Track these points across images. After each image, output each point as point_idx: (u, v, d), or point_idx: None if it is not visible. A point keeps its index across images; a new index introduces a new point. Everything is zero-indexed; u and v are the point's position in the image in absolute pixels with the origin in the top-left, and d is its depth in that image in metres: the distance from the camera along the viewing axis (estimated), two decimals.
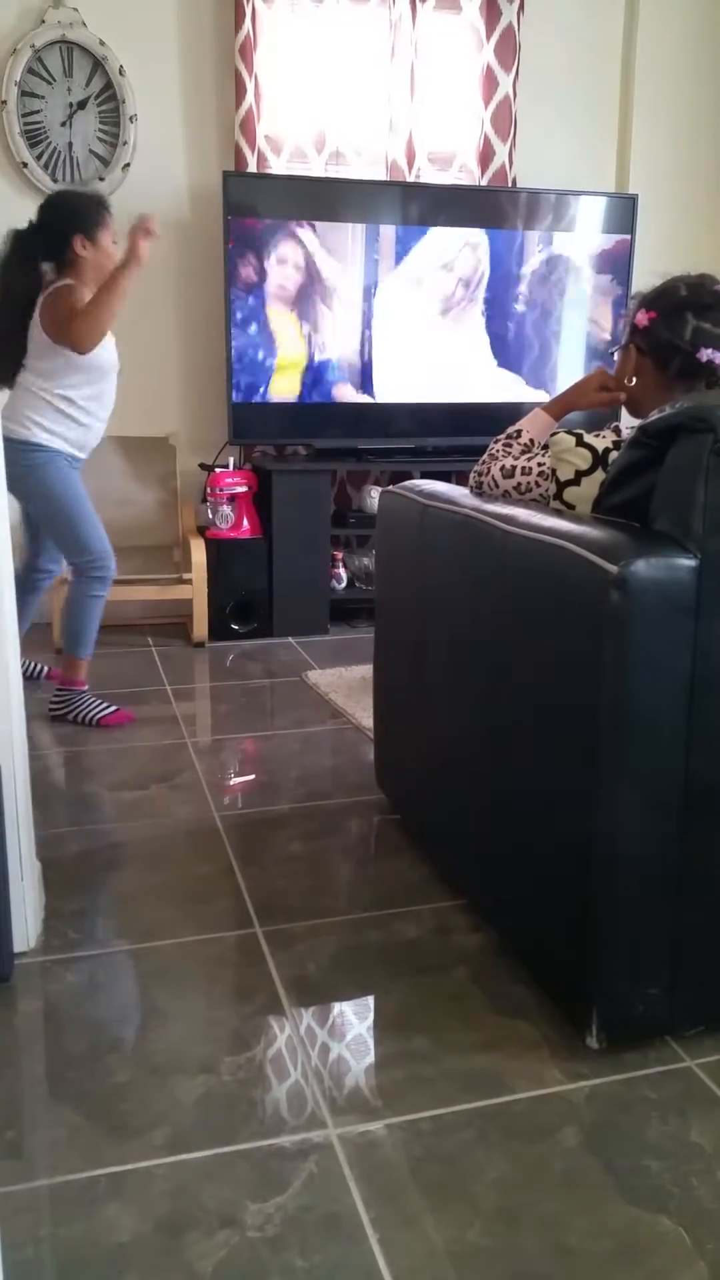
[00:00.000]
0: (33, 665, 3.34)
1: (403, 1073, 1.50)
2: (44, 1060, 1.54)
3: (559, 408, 2.06)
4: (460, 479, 3.46)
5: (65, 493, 2.87)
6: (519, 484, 1.87)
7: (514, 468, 1.89)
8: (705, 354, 1.72)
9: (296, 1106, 1.44)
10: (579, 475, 1.68)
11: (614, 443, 1.68)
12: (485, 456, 1.99)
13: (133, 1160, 1.34)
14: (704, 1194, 1.28)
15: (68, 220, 2.77)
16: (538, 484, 1.84)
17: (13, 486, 2.77)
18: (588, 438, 1.69)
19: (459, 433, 4.10)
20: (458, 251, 3.99)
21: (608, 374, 2.01)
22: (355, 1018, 1.64)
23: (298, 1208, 1.26)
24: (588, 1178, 1.31)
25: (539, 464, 1.85)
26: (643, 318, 1.76)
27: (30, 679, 3.22)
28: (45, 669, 3.34)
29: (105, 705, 2.95)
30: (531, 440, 2.01)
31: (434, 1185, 1.30)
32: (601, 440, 1.68)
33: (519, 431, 2.03)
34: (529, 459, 1.89)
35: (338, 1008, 1.66)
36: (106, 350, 2.80)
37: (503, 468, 1.91)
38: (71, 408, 2.83)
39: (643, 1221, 1.24)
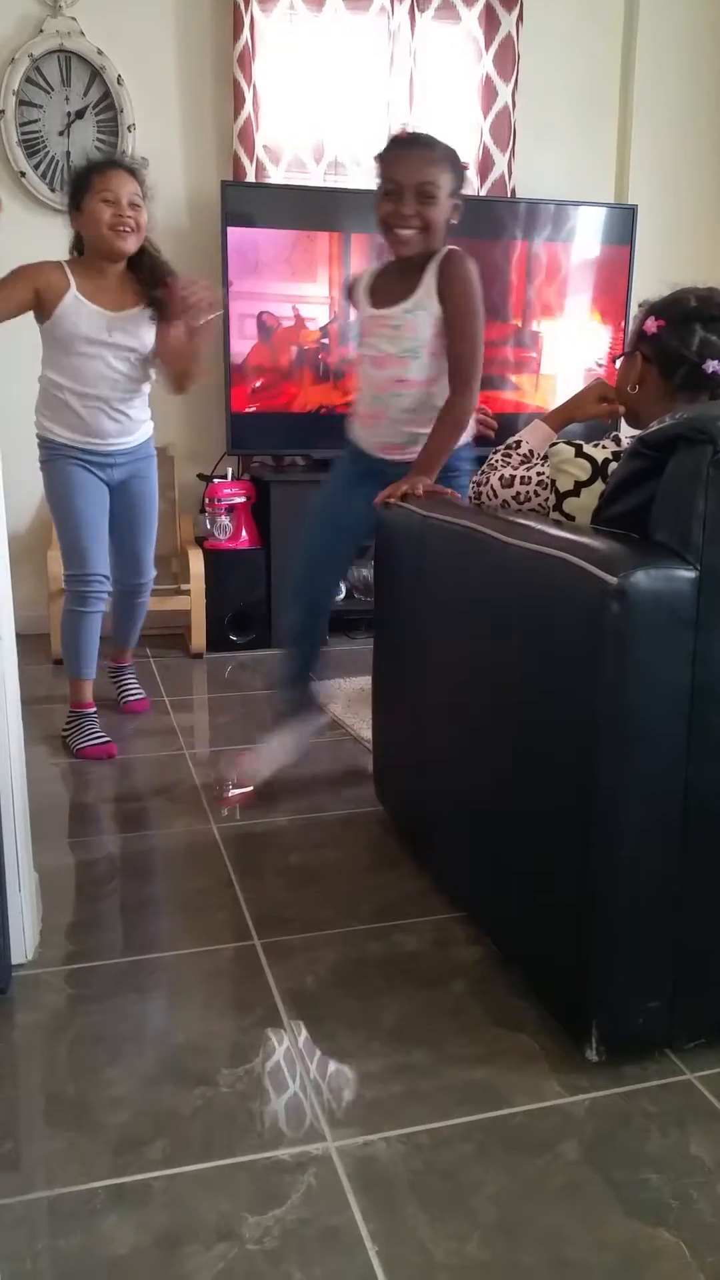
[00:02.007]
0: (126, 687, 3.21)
1: (401, 1086, 1.50)
2: (41, 1072, 1.54)
3: (558, 419, 2.07)
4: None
5: (57, 494, 2.74)
6: (518, 493, 1.88)
7: (513, 477, 1.89)
8: (711, 366, 1.71)
9: (295, 1119, 1.43)
10: (578, 486, 1.68)
11: (613, 454, 1.68)
12: (484, 467, 1.99)
13: (131, 1173, 1.33)
14: (704, 1207, 1.28)
15: (69, 196, 2.68)
16: (536, 494, 1.85)
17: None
18: (587, 448, 1.69)
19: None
20: None
21: (607, 385, 2.01)
22: (354, 1031, 1.64)
23: (296, 1221, 1.26)
24: (587, 1191, 1.31)
25: (538, 474, 1.86)
26: (651, 325, 1.75)
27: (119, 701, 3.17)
28: (131, 700, 3.20)
29: (94, 735, 2.80)
30: (531, 451, 2.01)
31: (433, 1198, 1.29)
32: (601, 451, 1.68)
33: (518, 442, 2.03)
34: (528, 469, 1.90)
35: (336, 1021, 1.66)
36: (68, 318, 2.63)
37: (501, 477, 1.91)
38: (55, 389, 2.70)
39: (643, 1235, 1.24)
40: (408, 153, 2.21)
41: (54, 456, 2.76)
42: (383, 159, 2.25)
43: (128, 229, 2.60)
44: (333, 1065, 1.55)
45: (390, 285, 2.34)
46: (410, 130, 2.33)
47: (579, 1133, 1.41)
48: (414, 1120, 1.43)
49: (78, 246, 2.73)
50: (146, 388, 2.83)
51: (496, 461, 1.99)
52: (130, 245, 2.63)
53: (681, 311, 1.74)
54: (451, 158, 2.22)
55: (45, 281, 2.62)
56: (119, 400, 2.74)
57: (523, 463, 1.97)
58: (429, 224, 2.21)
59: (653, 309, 1.79)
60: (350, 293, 2.51)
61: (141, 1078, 1.51)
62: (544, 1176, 1.33)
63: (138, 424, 2.83)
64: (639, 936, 1.47)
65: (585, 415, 2.05)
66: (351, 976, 1.77)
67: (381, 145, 2.29)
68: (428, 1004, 1.69)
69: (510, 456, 1.99)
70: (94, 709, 2.89)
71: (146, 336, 2.72)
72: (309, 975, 1.77)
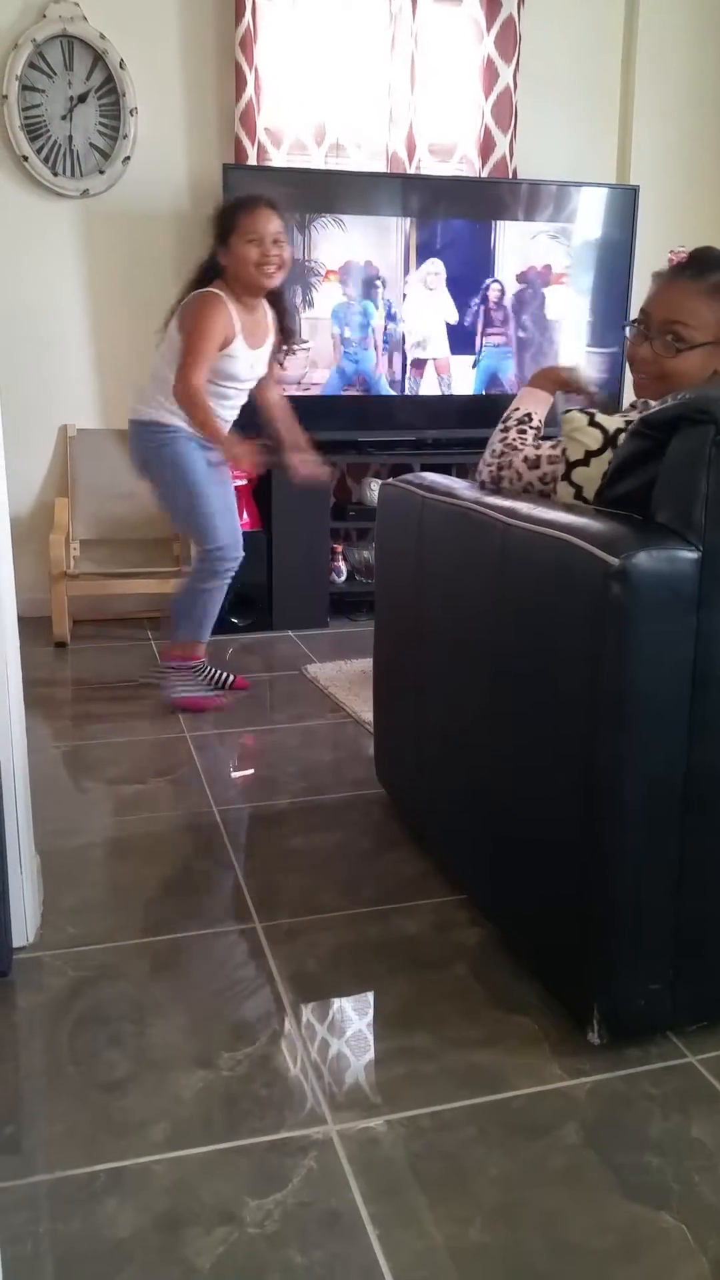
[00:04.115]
0: (220, 674, 3.21)
1: (402, 1069, 1.50)
2: (42, 1055, 1.54)
3: (549, 382, 2.03)
4: (460, 472, 3.45)
5: (186, 475, 2.86)
6: (544, 474, 1.80)
7: (538, 458, 1.83)
8: None
9: (296, 1102, 1.43)
10: (588, 455, 1.65)
11: (626, 423, 1.65)
12: (501, 448, 1.92)
13: (131, 1156, 1.33)
14: (705, 1190, 1.28)
15: (214, 232, 2.84)
16: (557, 467, 1.80)
17: (145, 469, 2.92)
18: (599, 417, 1.66)
19: (459, 425, 4.08)
20: (460, 245, 3.98)
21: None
22: (355, 1013, 1.64)
23: (297, 1204, 1.26)
24: (589, 1174, 1.31)
25: (552, 448, 1.82)
26: None
27: (220, 688, 3.16)
28: (232, 678, 3.21)
29: (205, 686, 3.05)
30: (541, 424, 1.97)
31: (434, 1182, 1.29)
32: (613, 421, 1.65)
33: (529, 415, 1.96)
34: (552, 447, 1.83)
35: (337, 1003, 1.66)
36: (236, 361, 2.83)
37: (526, 458, 1.83)
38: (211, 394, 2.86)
39: (644, 1218, 1.24)
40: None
41: (172, 441, 2.85)
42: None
43: (274, 266, 2.77)
44: (334, 1048, 1.55)
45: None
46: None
47: (580, 1116, 1.40)
48: (415, 1103, 1.43)
49: (212, 269, 2.83)
50: None
51: (514, 440, 1.92)
52: (276, 281, 2.81)
53: None
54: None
55: (228, 328, 2.79)
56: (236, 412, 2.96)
57: (537, 437, 1.93)
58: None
59: None
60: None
61: (142, 1061, 1.51)
62: (545, 1160, 1.33)
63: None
64: (640, 918, 1.46)
65: (571, 387, 2.05)
66: (352, 959, 1.77)
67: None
68: (429, 987, 1.69)
69: (525, 433, 1.93)
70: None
71: (265, 364, 2.96)
72: (310, 958, 1.77)
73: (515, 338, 4.13)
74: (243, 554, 2.96)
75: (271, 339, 2.94)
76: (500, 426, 1.98)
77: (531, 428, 1.95)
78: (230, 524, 2.92)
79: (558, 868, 1.55)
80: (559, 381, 2.06)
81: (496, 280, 4.05)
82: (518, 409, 1.99)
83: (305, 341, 3.83)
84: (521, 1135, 1.37)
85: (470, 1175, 1.30)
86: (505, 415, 2.00)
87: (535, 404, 1.99)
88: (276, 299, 2.92)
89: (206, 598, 2.96)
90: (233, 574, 2.95)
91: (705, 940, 1.50)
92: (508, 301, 4.10)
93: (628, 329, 1.83)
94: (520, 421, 1.96)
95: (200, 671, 3.10)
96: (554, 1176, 1.30)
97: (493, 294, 4.07)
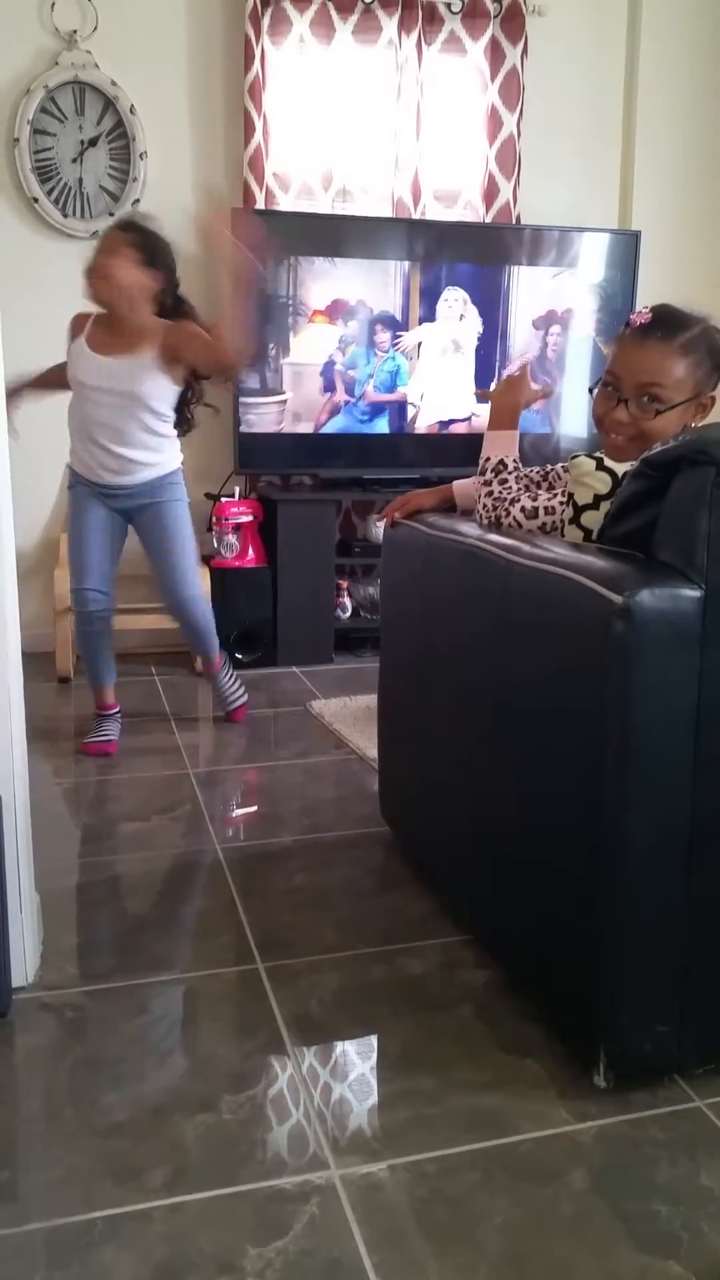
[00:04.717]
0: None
1: (406, 1112, 1.48)
2: (41, 1098, 1.52)
3: (510, 416, 2.02)
4: None
5: (68, 516, 2.97)
6: (544, 524, 1.81)
7: (535, 508, 1.83)
8: None
9: (298, 1147, 1.41)
10: (598, 499, 1.66)
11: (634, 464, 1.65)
12: (490, 503, 1.91)
13: (130, 1203, 1.31)
14: (715, 1239, 1.25)
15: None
16: (562, 514, 1.80)
17: None
18: (608, 461, 1.66)
19: (463, 463, 4.10)
20: (464, 288, 4.02)
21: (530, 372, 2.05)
22: (358, 1056, 1.62)
23: (299, 1252, 1.23)
24: (596, 1222, 1.28)
25: (560, 504, 1.81)
26: None
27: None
28: (229, 708, 3.25)
29: (98, 731, 3.00)
30: (516, 462, 1.97)
31: (439, 1229, 1.27)
32: (621, 465, 1.65)
33: (501, 464, 1.95)
34: (550, 497, 1.83)
35: (340, 1046, 1.63)
36: (78, 367, 2.83)
37: (524, 509, 1.83)
38: (70, 425, 2.90)
39: (652, 1268, 1.21)
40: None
41: (72, 483, 2.94)
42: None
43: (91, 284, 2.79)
44: (337, 1091, 1.52)
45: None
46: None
47: (587, 1161, 1.38)
48: (420, 1148, 1.40)
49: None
50: (157, 431, 2.87)
51: (498, 492, 1.91)
52: (90, 296, 2.79)
53: None
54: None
55: (75, 330, 2.88)
56: (114, 439, 2.83)
57: (520, 481, 1.94)
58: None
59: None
60: None
61: (142, 1104, 1.49)
62: (552, 1206, 1.30)
63: (140, 466, 2.87)
64: (646, 958, 1.45)
65: (528, 402, 2.05)
66: (356, 1001, 1.75)
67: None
68: (433, 1029, 1.67)
69: (507, 482, 1.93)
70: (114, 709, 3.07)
71: (148, 384, 2.80)
72: (313, 999, 1.75)
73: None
74: (98, 597, 2.89)
75: (145, 358, 2.77)
76: (481, 480, 1.96)
77: (509, 474, 1.94)
78: (87, 565, 2.89)
79: (563, 907, 1.53)
80: (516, 409, 2.05)
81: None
82: (488, 458, 1.97)
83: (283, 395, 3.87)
84: (527, 1181, 1.35)
85: (475, 1223, 1.28)
86: (480, 468, 1.98)
87: (502, 447, 1.97)
88: (171, 315, 2.84)
89: (78, 637, 3.00)
90: (95, 615, 2.90)
91: (712, 981, 1.49)
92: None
93: (593, 391, 1.82)
94: (495, 471, 1.95)
95: (102, 719, 3.05)
96: (561, 1224, 1.28)
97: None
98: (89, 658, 3.00)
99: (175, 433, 2.94)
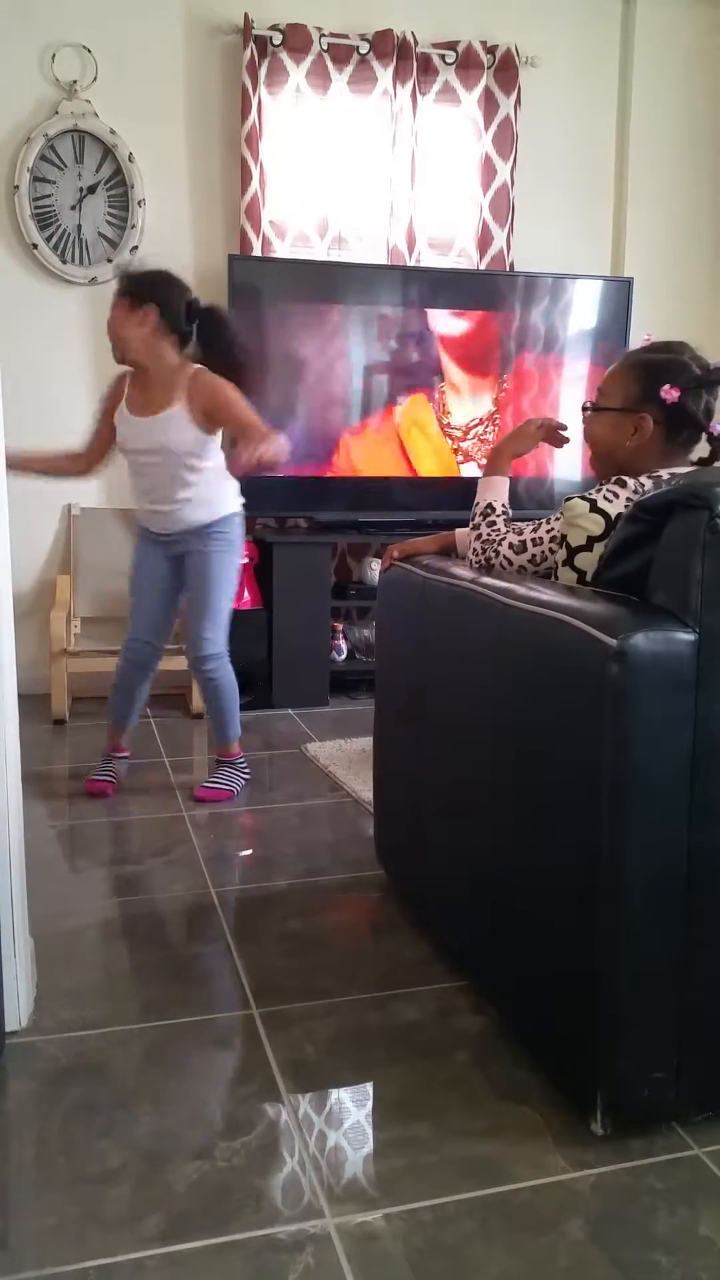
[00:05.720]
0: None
1: (402, 1160, 1.46)
2: (33, 1144, 1.50)
3: (506, 462, 2.06)
4: None
5: (132, 564, 2.99)
6: (533, 556, 1.84)
7: (523, 542, 1.86)
8: (717, 428, 1.80)
9: (293, 1195, 1.39)
10: (591, 541, 1.68)
11: (626, 505, 1.67)
12: (479, 545, 1.94)
13: (123, 1251, 1.29)
14: None
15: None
16: (552, 551, 1.83)
17: None
18: (601, 503, 1.69)
19: (458, 507, 4.12)
20: (456, 333, 4.08)
21: (551, 427, 2.05)
22: (354, 1103, 1.60)
23: None
24: (594, 1272, 1.27)
25: (548, 532, 1.84)
26: (670, 393, 1.77)
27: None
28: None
29: (99, 771, 3.02)
30: (505, 506, 1.99)
31: (435, 1279, 1.25)
32: (614, 505, 1.68)
33: (490, 507, 1.97)
34: (535, 530, 1.86)
35: (336, 1093, 1.62)
36: (123, 434, 2.82)
37: (511, 544, 1.87)
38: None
39: None
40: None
41: (139, 531, 2.99)
42: None
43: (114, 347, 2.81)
44: (332, 1139, 1.51)
45: None
46: None
47: (585, 1210, 1.37)
48: (415, 1196, 1.39)
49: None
50: (195, 477, 2.79)
51: (486, 533, 1.94)
52: (119, 358, 2.80)
53: (692, 378, 1.77)
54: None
55: (114, 398, 2.89)
56: (158, 497, 2.82)
57: (509, 522, 1.96)
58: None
59: (663, 374, 1.79)
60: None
61: (135, 1151, 1.48)
62: (549, 1256, 1.29)
63: (183, 505, 2.81)
64: (643, 1004, 1.44)
65: (527, 449, 2.08)
66: (351, 1047, 1.73)
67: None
68: (429, 1075, 1.65)
69: (495, 524, 1.95)
70: (123, 753, 3.08)
71: (177, 435, 2.73)
72: (308, 1045, 1.73)
73: (512, 422, 4.21)
74: (146, 647, 2.95)
75: (174, 410, 2.72)
76: (471, 525, 1.99)
77: (498, 516, 1.96)
78: (141, 615, 2.94)
79: (559, 952, 1.53)
80: (510, 456, 2.07)
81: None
82: (478, 503, 2.00)
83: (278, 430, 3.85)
84: (525, 1230, 1.33)
85: (472, 1273, 1.26)
86: (472, 513, 2.01)
87: (493, 492, 2.00)
88: (211, 344, 2.81)
89: (116, 671, 3.01)
90: (137, 661, 2.96)
91: (710, 1027, 1.48)
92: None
93: (587, 408, 1.91)
94: (483, 514, 1.97)
95: (107, 759, 3.06)
96: (558, 1274, 1.26)
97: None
98: (116, 694, 3.00)
99: (221, 473, 2.83)
